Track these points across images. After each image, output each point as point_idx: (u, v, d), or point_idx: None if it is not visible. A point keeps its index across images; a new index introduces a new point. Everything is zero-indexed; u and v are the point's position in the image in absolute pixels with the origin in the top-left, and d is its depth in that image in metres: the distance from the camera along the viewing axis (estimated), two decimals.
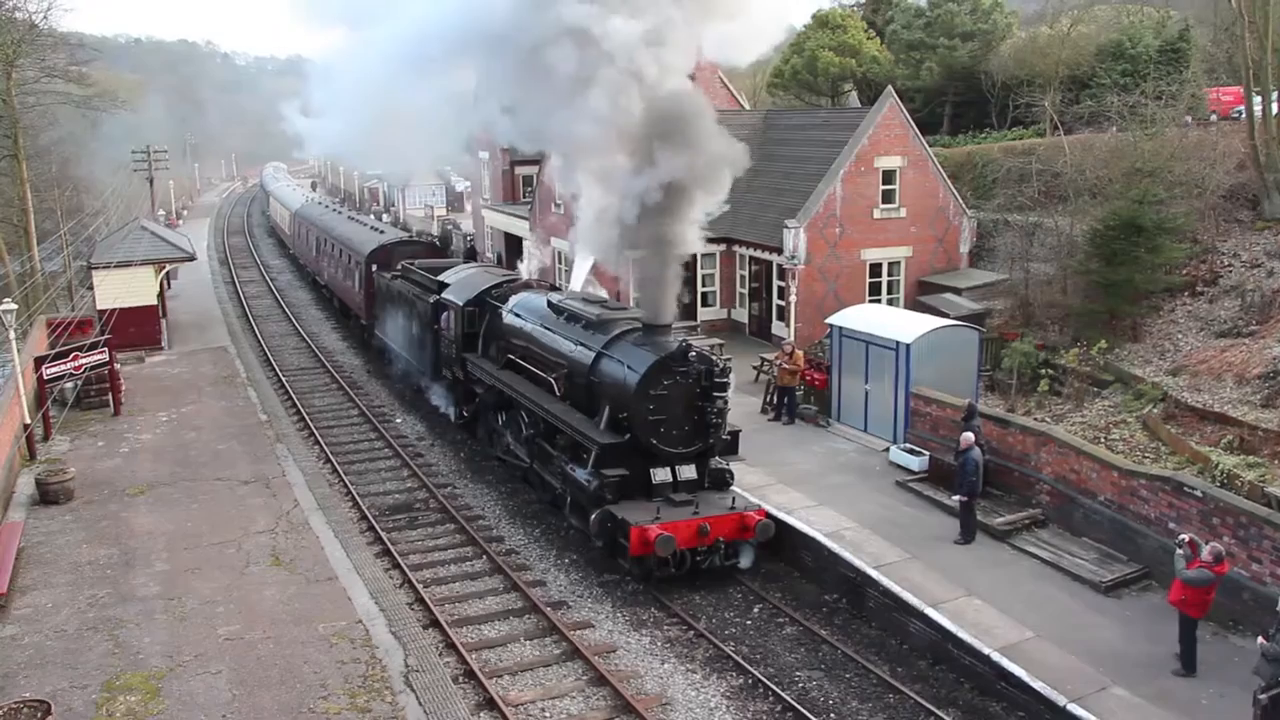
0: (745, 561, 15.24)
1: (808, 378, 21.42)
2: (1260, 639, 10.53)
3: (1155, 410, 19.16)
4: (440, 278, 22.91)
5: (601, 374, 16.17)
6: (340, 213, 41.34)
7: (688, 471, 15.53)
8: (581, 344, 16.93)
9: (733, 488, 15.86)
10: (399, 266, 26.54)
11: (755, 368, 23.57)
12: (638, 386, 15.06)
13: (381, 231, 32.74)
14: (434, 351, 22.39)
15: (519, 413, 18.54)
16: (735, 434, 16.48)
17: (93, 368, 22.52)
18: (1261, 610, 11.79)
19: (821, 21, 45.20)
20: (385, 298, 26.94)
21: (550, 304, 18.67)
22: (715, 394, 15.31)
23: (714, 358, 15.68)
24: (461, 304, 20.96)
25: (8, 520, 16.71)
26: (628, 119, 15.40)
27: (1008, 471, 16.66)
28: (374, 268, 28.32)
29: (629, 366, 15.45)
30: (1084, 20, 37.53)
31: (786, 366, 20.88)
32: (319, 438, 22.32)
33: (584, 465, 15.54)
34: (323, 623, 13.33)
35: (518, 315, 19.56)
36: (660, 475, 15.33)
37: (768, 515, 15.26)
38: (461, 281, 22.11)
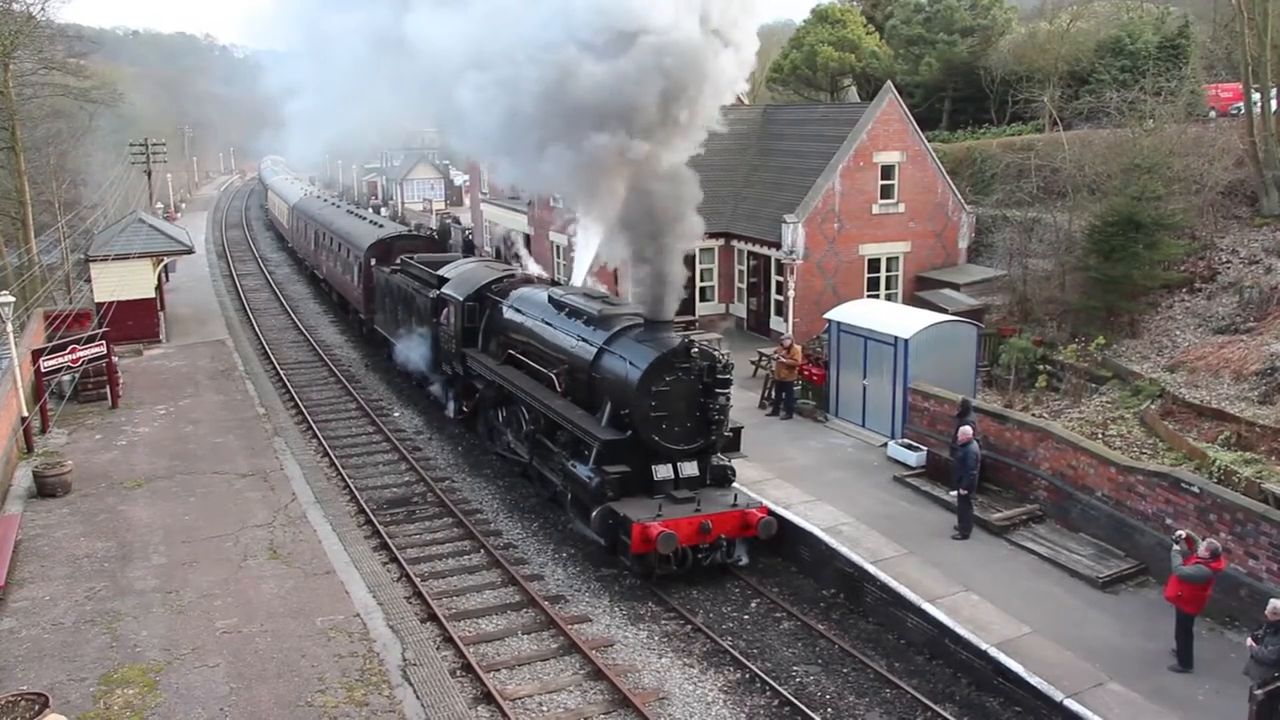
0: (744, 559, 15.27)
1: (806, 373, 21.43)
2: (1249, 641, 10.57)
3: (1153, 406, 19.17)
4: (440, 272, 22.85)
5: (603, 370, 16.14)
6: (339, 206, 41.24)
7: (689, 468, 15.51)
8: (583, 340, 16.89)
9: (734, 484, 15.86)
10: (398, 261, 26.49)
11: (753, 363, 23.58)
12: (639, 382, 15.03)
13: (380, 225, 32.64)
14: (433, 346, 22.36)
15: (519, 408, 18.52)
16: (738, 430, 16.45)
17: (90, 361, 22.46)
18: (1258, 606, 11.78)
19: (821, 16, 45.14)
20: (384, 292, 26.89)
21: (551, 299, 18.63)
22: (718, 390, 15.30)
23: (716, 354, 15.65)
24: (462, 299, 20.91)
25: (5, 513, 16.69)
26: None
27: (1005, 467, 16.66)
28: (373, 262, 28.25)
29: (631, 362, 15.41)
30: (1083, 16, 37.52)
31: (785, 361, 20.89)
32: (317, 431, 22.31)
33: (585, 462, 15.52)
34: (320, 616, 13.35)
35: (518, 310, 19.53)
36: (662, 472, 15.31)
37: (769, 512, 15.27)
38: (461, 276, 22.06)
